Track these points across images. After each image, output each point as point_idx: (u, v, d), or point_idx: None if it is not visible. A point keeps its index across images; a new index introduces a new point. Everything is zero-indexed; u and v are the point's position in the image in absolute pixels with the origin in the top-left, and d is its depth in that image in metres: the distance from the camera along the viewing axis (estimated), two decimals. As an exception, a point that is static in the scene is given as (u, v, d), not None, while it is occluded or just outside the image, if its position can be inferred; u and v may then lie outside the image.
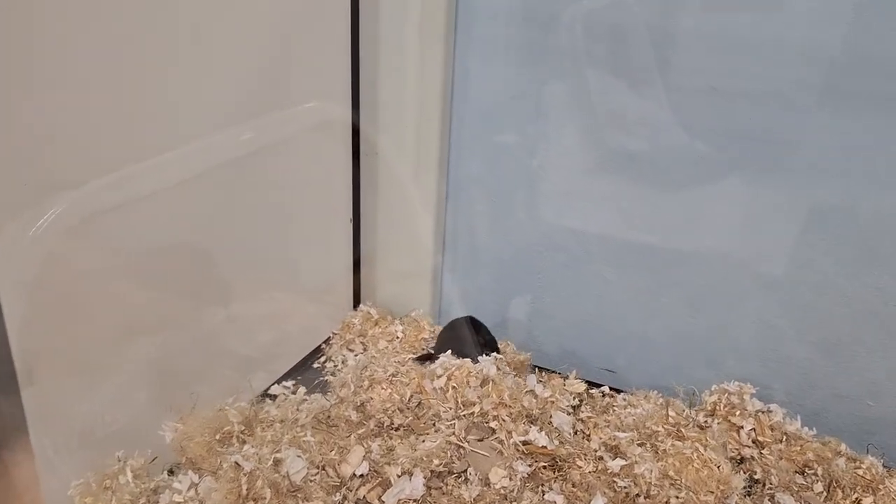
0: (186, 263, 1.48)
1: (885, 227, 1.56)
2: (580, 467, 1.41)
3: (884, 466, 1.59)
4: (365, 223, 1.88)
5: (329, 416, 1.41)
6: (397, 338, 1.68)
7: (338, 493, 1.26)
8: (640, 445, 1.43)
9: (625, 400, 1.66)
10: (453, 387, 1.46)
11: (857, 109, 1.49)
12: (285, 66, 1.58)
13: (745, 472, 1.50)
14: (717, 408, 1.64)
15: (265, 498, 1.16)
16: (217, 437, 1.31)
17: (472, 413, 1.44)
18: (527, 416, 1.46)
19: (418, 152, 1.80)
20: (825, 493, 1.50)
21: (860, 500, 1.50)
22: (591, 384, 1.77)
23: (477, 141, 1.82)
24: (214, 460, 1.28)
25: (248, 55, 1.47)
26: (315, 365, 1.71)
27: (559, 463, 1.41)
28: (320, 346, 1.78)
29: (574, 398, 1.60)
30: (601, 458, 1.42)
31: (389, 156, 1.81)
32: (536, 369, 1.76)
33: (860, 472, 1.55)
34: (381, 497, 1.30)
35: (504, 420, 1.43)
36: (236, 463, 1.18)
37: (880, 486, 1.53)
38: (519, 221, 1.86)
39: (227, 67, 1.42)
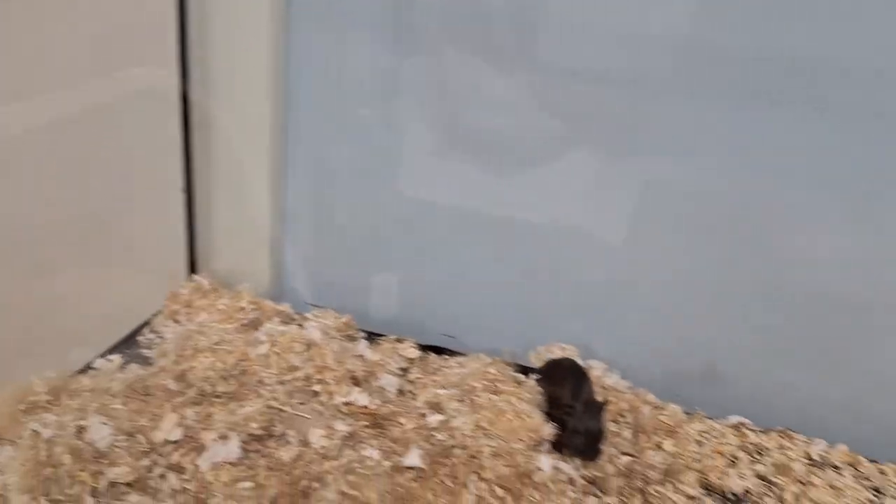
0: (4, 231, 1.41)
1: (715, 202, 1.68)
2: (402, 424, 1.47)
3: (685, 413, 1.75)
4: (199, 194, 1.85)
5: (146, 386, 1.39)
6: (219, 310, 1.66)
7: (146, 459, 1.24)
8: (459, 401, 1.49)
9: (458, 363, 1.73)
10: (277, 353, 1.47)
11: (707, 95, 1.59)
12: (106, 31, 1.53)
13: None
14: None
15: (64, 464, 1.14)
16: (22, 407, 1.27)
17: (296, 378, 1.47)
18: (351, 379, 1.50)
19: (253, 123, 1.79)
20: (632, 439, 1.63)
21: (661, 442, 1.65)
22: (434, 349, 1.83)
23: (321, 114, 1.82)
24: (18, 430, 1.24)
25: (67, 18, 1.41)
26: (140, 338, 1.68)
27: (381, 422, 1.46)
28: (150, 319, 1.74)
29: (405, 361, 1.65)
30: (423, 415, 1.48)
31: (223, 126, 1.79)
32: (373, 336, 1.80)
33: (663, 417, 1.70)
34: (195, 462, 1.30)
35: (327, 383, 1.47)
36: (34, 430, 1.15)
37: (678, 430, 1.68)
38: (365, 195, 1.88)
39: (43, 30, 1.36)
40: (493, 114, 1.75)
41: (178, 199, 1.79)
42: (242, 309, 1.70)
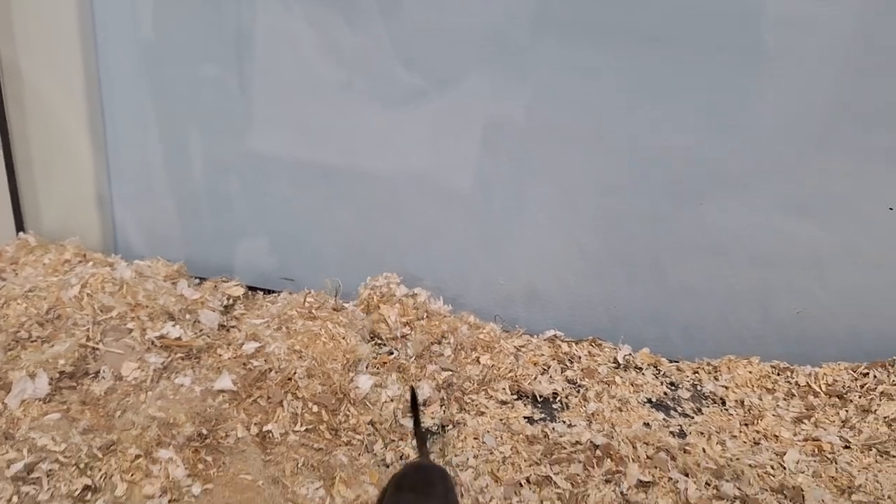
0: None
1: (547, 139, 1.80)
2: (219, 355, 1.53)
3: (503, 330, 1.89)
4: (19, 151, 1.83)
5: (-51, 335, 1.40)
6: (44, 264, 1.67)
7: (-53, 398, 1.27)
8: (276, 330, 1.57)
9: (283, 298, 1.79)
10: (88, 294, 1.50)
11: (572, 40, 1.68)
12: None
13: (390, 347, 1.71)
14: (371, 300, 1.84)
15: None
16: None
17: (111, 317, 1.50)
18: (167, 314, 1.55)
19: (65, 76, 1.78)
20: (452, 356, 1.75)
21: (479, 357, 1.78)
22: (268, 292, 1.89)
23: (138, 67, 1.82)
24: None
25: None
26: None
27: (197, 353, 1.52)
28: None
29: (229, 300, 1.71)
30: (241, 345, 1.55)
31: (34, 80, 1.77)
32: (199, 279, 1.82)
33: (481, 335, 1.83)
34: (3, 401, 1.33)
35: (142, 319, 1.51)
36: None
37: (496, 346, 1.82)
38: (197, 147, 1.89)
39: None
40: (330, 63, 1.80)
41: (-6, 157, 1.78)
42: (68, 261, 1.71)
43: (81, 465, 1.25)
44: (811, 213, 1.76)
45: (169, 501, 1.24)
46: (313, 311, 1.60)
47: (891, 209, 1.72)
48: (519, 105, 1.78)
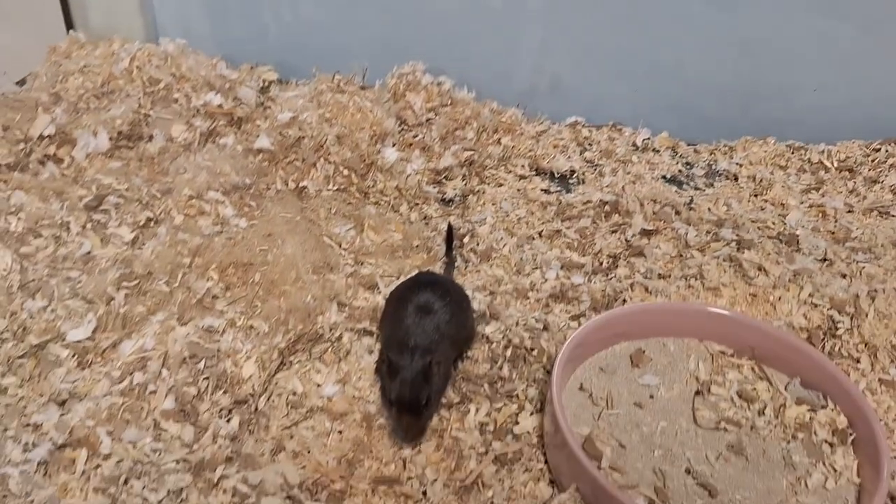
0: None
1: None
2: (257, 125, 1.67)
3: (524, 116, 1.97)
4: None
5: (18, 100, 1.56)
6: (95, 56, 1.78)
7: (23, 146, 1.45)
8: (308, 101, 1.69)
9: (315, 77, 1.88)
10: (137, 67, 1.64)
11: None
12: None
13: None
14: (397, 88, 1.93)
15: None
16: None
17: (158, 88, 1.65)
18: (209, 86, 1.68)
19: None
20: (475, 138, 1.86)
21: (500, 139, 1.88)
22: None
23: None
24: None
25: None
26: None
27: (237, 121, 1.66)
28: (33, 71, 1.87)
29: (264, 83, 1.83)
30: (277, 117, 1.67)
31: None
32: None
33: (503, 119, 1.92)
34: (71, 154, 1.51)
35: (186, 90, 1.65)
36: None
37: (517, 128, 1.91)
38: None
39: None
40: None
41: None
42: (115, 53, 1.84)
43: (143, 202, 1.43)
44: (841, 11, 1.75)
45: (219, 232, 1.42)
46: (342, 85, 1.71)
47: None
48: None
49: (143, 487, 1.00)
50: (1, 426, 1.07)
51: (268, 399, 1.18)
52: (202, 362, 1.18)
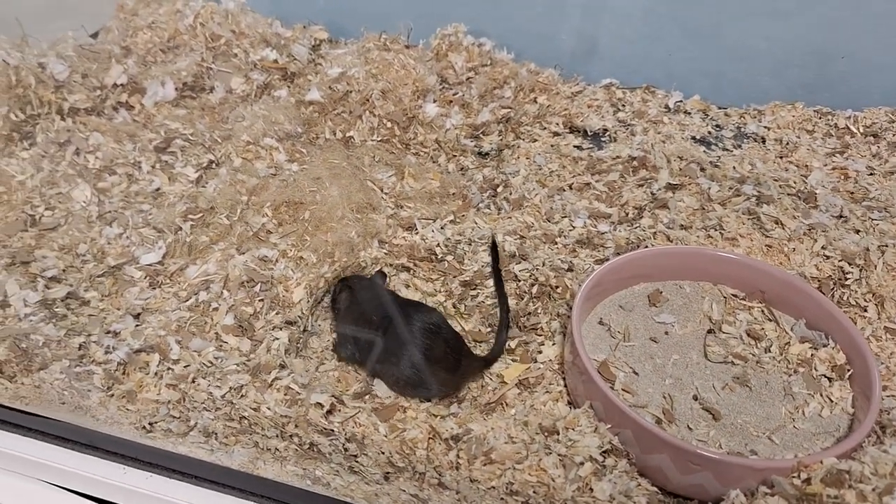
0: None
1: None
2: (309, 79, 1.79)
3: (561, 76, 2.05)
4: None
5: (94, 52, 1.71)
6: (159, 13, 1.91)
7: (98, 91, 1.60)
8: (356, 58, 1.80)
9: (364, 36, 1.98)
10: (201, 23, 1.77)
11: None
12: None
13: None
14: (440, 48, 2.03)
15: (31, 85, 1.49)
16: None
17: (219, 44, 1.78)
18: (265, 42, 1.80)
19: None
20: (512, 97, 1.95)
21: (537, 98, 1.97)
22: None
23: None
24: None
25: None
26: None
27: (291, 75, 1.79)
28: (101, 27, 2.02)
29: (315, 41, 1.95)
30: (327, 72, 1.79)
31: None
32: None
33: (539, 78, 2.01)
34: (141, 101, 1.66)
35: (244, 46, 1.78)
36: (3, 60, 1.49)
37: (553, 88, 2.00)
38: None
39: None
40: None
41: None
42: (179, 11, 1.97)
43: (206, 145, 1.57)
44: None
45: (273, 174, 1.55)
46: (387, 44, 1.82)
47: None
48: None
49: (209, 385, 1.14)
50: (85, 332, 1.23)
51: (315, 322, 1.32)
52: (258, 286, 1.32)
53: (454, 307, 1.38)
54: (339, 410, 1.10)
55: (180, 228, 1.39)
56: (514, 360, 1.27)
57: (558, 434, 1.09)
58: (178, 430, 1.12)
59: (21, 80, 1.49)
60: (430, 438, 1.05)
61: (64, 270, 1.31)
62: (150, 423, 1.13)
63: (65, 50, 1.62)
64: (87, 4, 1.98)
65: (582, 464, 1.05)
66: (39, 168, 1.47)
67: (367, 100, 1.73)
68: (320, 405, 1.08)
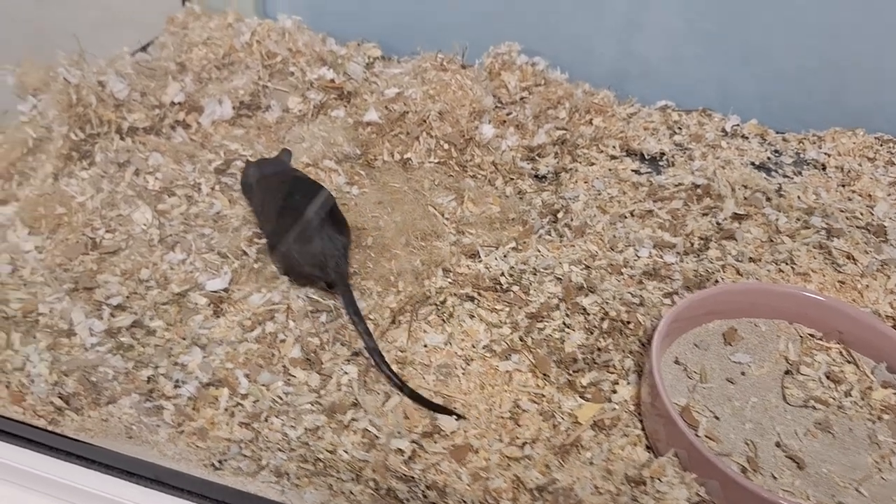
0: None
1: None
2: (365, 99, 1.76)
3: (616, 98, 2.02)
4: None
5: (150, 68, 1.68)
6: (209, 27, 1.89)
7: (157, 111, 1.57)
8: (413, 78, 1.77)
9: (419, 55, 1.96)
10: (257, 41, 1.74)
11: None
12: None
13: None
14: (493, 67, 2.00)
15: (91, 104, 1.46)
16: (50, 73, 1.56)
17: (275, 62, 1.75)
18: (321, 61, 1.78)
19: None
20: (567, 118, 1.92)
21: (592, 119, 1.94)
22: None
23: None
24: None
25: None
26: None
27: (347, 95, 1.76)
28: (153, 40, 2.00)
29: (369, 59, 1.92)
30: (384, 92, 1.77)
31: None
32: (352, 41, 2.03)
33: (595, 99, 1.97)
34: (198, 120, 1.63)
35: (301, 64, 1.75)
36: (65, 78, 1.46)
37: (608, 110, 1.96)
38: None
39: None
40: None
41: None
42: (230, 25, 1.95)
43: (264, 167, 1.54)
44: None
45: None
46: (444, 64, 1.79)
47: None
48: None
49: (282, 424, 1.11)
50: (153, 364, 1.20)
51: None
52: (322, 316, 1.29)
53: (520, 339, 1.35)
54: (420, 456, 1.07)
55: (245, 253, 1.36)
56: (587, 399, 1.24)
57: (645, 485, 1.05)
58: (249, 469, 1.09)
59: (81, 98, 1.46)
60: (514, 489, 1.02)
61: (128, 297, 1.29)
62: (219, 461, 1.10)
63: (123, 67, 1.60)
64: (137, 16, 1.96)
65: (671, 516, 1.01)
66: (99, 189, 1.45)
67: (425, 121, 1.70)
68: (401, 451, 1.05)
